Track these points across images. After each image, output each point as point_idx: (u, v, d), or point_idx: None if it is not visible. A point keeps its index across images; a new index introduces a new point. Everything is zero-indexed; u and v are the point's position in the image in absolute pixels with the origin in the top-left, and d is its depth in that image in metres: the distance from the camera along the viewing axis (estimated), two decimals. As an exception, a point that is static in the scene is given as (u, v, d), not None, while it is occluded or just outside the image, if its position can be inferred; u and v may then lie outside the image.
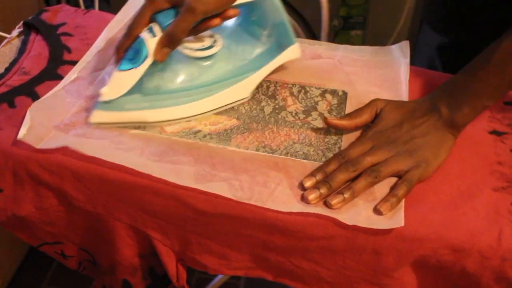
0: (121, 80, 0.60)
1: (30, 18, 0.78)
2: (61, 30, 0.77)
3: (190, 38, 0.64)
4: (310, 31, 1.38)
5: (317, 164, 0.60)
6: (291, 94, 0.69)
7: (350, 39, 1.54)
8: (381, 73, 0.72)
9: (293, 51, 0.69)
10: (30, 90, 0.67)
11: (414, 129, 0.61)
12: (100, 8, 1.40)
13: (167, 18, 0.59)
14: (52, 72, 0.70)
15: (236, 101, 0.67)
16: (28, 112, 0.62)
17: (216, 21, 0.61)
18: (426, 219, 0.56)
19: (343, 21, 1.50)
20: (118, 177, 0.58)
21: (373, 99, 0.64)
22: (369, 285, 0.60)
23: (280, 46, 0.68)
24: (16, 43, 0.75)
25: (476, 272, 0.55)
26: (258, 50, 0.68)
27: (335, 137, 0.64)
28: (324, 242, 0.57)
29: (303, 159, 0.61)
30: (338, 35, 1.53)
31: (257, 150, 0.61)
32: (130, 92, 0.61)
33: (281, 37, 0.68)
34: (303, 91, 0.69)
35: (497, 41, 0.60)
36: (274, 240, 0.58)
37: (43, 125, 0.62)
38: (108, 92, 0.60)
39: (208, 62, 0.65)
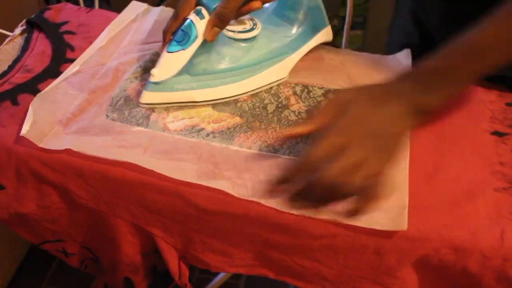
0: (171, 61, 0.63)
1: (33, 16, 0.78)
2: (64, 28, 0.77)
3: (232, 21, 0.67)
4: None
5: None
6: (294, 93, 0.69)
7: (350, 39, 1.54)
8: (384, 74, 0.72)
9: (326, 34, 0.73)
10: (33, 88, 0.67)
11: (384, 119, 0.54)
12: (101, 8, 1.40)
13: (213, 1, 0.62)
14: (55, 70, 0.70)
15: (275, 81, 0.70)
16: (30, 107, 0.63)
17: (258, 3, 0.64)
18: (428, 219, 0.56)
19: (343, 21, 1.50)
20: (121, 174, 0.58)
21: (336, 92, 0.64)
22: (371, 284, 0.60)
23: (314, 28, 0.72)
24: (19, 41, 0.75)
25: (478, 272, 0.56)
26: (293, 33, 0.72)
27: (337, 137, 0.64)
28: (326, 241, 0.57)
29: None
30: (338, 35, 1.53)
31: (260, 149, 0.62)
32: (180, 72, 0.64)
33: (315, 20, 0.72)
34: (306, 90, 0.70)
35: (474, 26, 0.57)
36: (277, 239, 0.59)
37: (46, 119, 0.62)
38: (158, 73, 0.63)
39: (249, 44, 0.69)
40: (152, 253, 0.66)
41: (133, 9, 0.80)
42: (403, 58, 0.74)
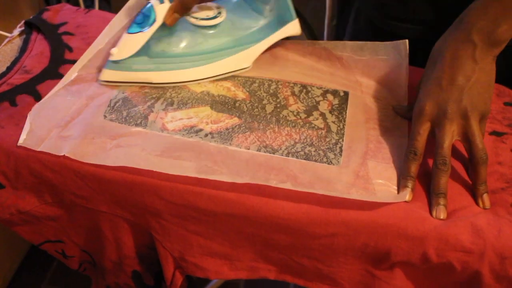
0: (130, 42, 0.66)
1: (31, 17, 0.78)
2: (62, 29, 0.77)
3: (196, 8, 0.69)
4: (311, 32, 1.38)
5: (319, 164, 0.60)
6: (293, 93, 0.69)
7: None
8: (381, 74, 0.72)
9: (294, 27, 0.72)
10: (32, 89, 0.67)
11: (457, 81, 0.59)
12: (101, 8, 1.41)
13: None
14: (54, 71, 0.70)
15: (237, 70, 0.71)
16: (28, 117, 0.63)
17: None
18: (426, 218, 0.56)
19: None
20: (119, 177, 0.58)
21: (415, 110, 0.61)
22: (371, 282, 0.60)
23: (281, 21, 0.72)
24: (18, 42, 0.75)
25: (476, 271, 0.56)
26: (259, 23, 0.72)
27: (336, 137, 0.64)
28: (326, 240, 0.57)
29: (304, 159, 0.61)
30: (338, 35, 1.53)
31: (259, 150, 0.62)
32: (138, 53, 0.66)
33: (282, 12, 0.72)
34: (304, 90, 0.70)
35: None
36: (276, 238, 0.59)
37: (44, 125, 0.62)
38: (117, 53, 0.66)
39: (212, 31, 0.69)
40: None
41: (132, 7, 0.80)
42: (399, 48, 0.73)
